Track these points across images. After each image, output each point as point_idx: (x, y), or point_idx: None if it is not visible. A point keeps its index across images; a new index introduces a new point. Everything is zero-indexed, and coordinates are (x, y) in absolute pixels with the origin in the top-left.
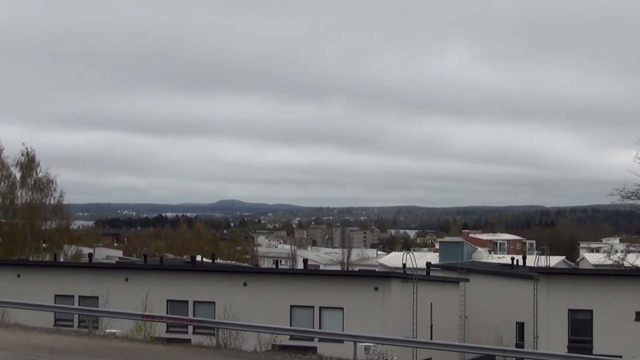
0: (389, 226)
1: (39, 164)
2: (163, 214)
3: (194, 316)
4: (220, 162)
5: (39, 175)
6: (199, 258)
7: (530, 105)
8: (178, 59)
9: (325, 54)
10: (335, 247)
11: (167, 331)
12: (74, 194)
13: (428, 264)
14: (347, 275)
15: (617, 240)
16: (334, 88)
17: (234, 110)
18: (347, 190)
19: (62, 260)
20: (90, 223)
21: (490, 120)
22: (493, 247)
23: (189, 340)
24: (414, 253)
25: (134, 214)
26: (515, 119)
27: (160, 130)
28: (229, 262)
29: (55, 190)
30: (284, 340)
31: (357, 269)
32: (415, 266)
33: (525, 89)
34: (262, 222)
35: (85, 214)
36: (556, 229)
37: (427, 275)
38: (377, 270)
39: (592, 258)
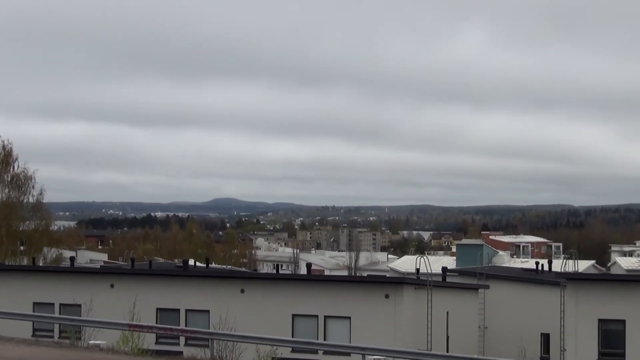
0: (401, 227)
1: (16, 159)
2: (152, 214)
3: (186, 326)
4: (214, 157)
5: (17, 171)
6: (191, 262)
7: (556, 93)
8: (167, 43)
9: (329, 37)
10: (342, 250)
11: (157, 342)
12: (54, 192)
13: (444, 269)
14: (354, 281)
15: None
16: (338, 75)
17: (228, 99)
18: (355, 188)
19: (41, 264)
20: (72, 223)
21: (511, 111)
22: (516, 250)
23: (181, 352)
24: (429, 257)
25: (120, 213)
26: (540, 108)
27: (148, 121)
28: (224, 266)
29: (34, 187)
30: (285, 352)
31: (365, 275)
32: (430, 271)
33: (551, 75)
34: (261, 222)
35: (67, 213)
36: (585, 230)
37: (443, 282)
38: (387, 275)
39: (624, 262)
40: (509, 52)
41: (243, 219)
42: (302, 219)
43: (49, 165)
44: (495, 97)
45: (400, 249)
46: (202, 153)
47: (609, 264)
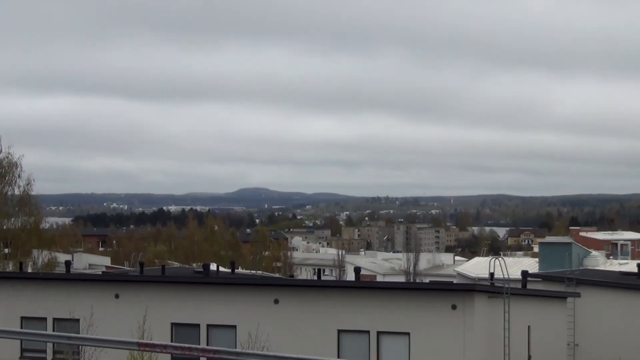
0: (470, 222)
1: None
2: (164, 208)
3: (207, 345)
4: (238, 137)
5: None
6: (213, 267)
7: None
8: None
9: None
10: (398, 251)
11: None
12: (44, 182)
13: (524, 274)
14: (414, 288)
15: None
16: (387, 35)
17: (252, 65)
18: (412, 174)
19: (30, 270)
20: (67, 220)
21: (603, 77)
22: (612, 249)
23: None
24: (505, 258)
25: (125, 207)
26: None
27: (155, 94)
28: (253, 272)
29: (20, 176)
30: None
31: (427, 281)
32: (506, 276)
33: None
34: (298, 217)
35: (60, 208)
36: None
37: (522, 289)
38: (454, 282)
39: None
40: (599, 4)
41: (276, 214)
42: (348, 212)
43: (36, 149)
44: (583, 60)
45: (469, 249)
46: (223, 132)
47: None
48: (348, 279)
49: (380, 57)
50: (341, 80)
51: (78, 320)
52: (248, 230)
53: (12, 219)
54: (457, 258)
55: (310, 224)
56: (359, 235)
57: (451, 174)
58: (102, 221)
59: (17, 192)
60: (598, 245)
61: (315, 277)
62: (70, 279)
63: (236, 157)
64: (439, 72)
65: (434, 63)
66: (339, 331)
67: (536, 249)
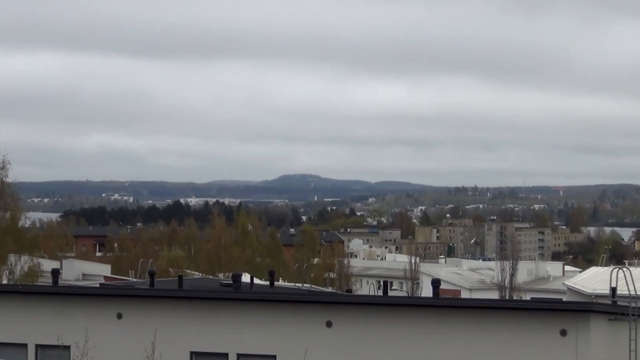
0: (585, 221)
1: None
2: (182, 200)
3: None
4: (277, 108)
5: None
6: (246, 278)
7: None
8: None
9: None
10: (489, 259)
11: None
12: (24, 166)
13: None
14: (510, 308)
15: None
16: None
17: (294, 13)
18: (507, 157)
19: (6, 281)
20: (54, 215)
21: None
22: None
23: None
24: (631, 268)
25: (130, 199)
26: None
27: (168, 50)
28: (299, 285)
29: None
30: None
31: (528, 298)
32: (632, 293)
33: None
34: (358, 213)
35: (45, 200)
36: None
37: None
38: (564, 299)
39: None
40: None
41: (328, 209)
42: (423, 208)
43: (13, 122)
44: None
45: (583, 256)
46: (257, 102)
47: None
48: (423, 294)
49: (461, 2)
50: (411, 34)
51: (69, 347)
52: (292, 230)
53: None
54: (567, 268)
55: (374, 223)
56: (438, 237)
57: (559, 158)
58: (99, 217)
59: None
60: None
61: (381, 293)
62: (59, 293)
63: (275, 134)
64: (539, 21)
65: (532, 10)
66: None
67: None
